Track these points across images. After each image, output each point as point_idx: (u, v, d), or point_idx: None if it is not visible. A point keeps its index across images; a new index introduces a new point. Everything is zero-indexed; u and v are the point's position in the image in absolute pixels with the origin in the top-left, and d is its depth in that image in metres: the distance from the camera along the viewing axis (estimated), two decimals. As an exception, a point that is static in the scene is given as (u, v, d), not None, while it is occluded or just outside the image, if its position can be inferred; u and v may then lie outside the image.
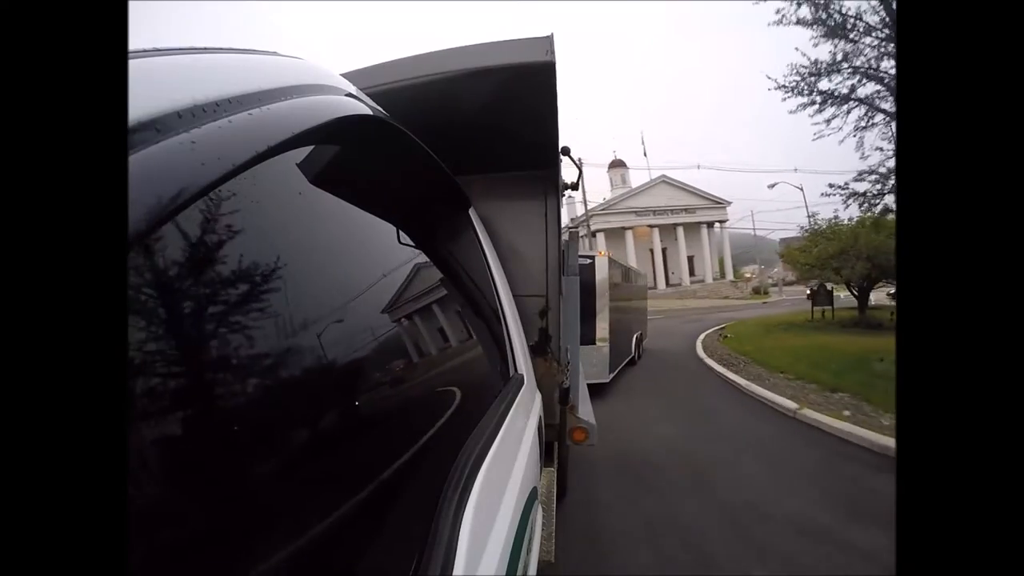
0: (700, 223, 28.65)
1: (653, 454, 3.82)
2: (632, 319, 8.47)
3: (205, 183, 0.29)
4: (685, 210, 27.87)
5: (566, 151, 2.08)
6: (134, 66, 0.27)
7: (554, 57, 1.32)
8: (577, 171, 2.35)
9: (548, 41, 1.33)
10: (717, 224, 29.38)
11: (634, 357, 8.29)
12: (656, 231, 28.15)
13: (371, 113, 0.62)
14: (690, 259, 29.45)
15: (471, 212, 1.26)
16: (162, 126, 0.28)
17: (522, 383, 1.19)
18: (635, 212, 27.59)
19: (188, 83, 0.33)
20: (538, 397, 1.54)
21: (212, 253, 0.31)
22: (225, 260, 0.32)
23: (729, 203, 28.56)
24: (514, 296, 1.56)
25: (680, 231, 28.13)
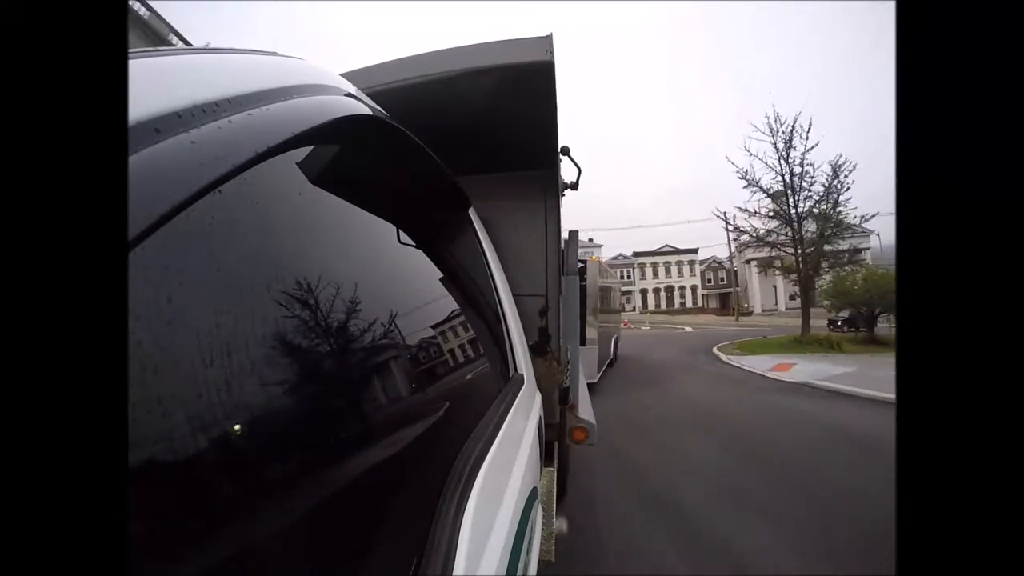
0: (843, 251, 31.77)
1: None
2: (612, 322, 9.13)
3: (205, 183, 0.29)
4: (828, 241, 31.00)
5: (566, 151, 2.08)
6: (134, 66, 0.27)
7: (553, 56, 1.32)
8: (577, 170, 2.35)
9: (547, 41, 1.33)
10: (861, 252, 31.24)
11: (612, 359, 8.73)
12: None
13: (371, 113, 0.62)
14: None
15: (471, 212, 1.26)
16: (162, 126, 0.28)
17: (522, 383, 1.19)
18: (782, 244, 29.66)
19: (188, 83, 0.33)
20: (538, 397, 1.54)
21: (212, 253, 0.31)
22: (225, 260, 0.32)
23: (872, 231, 29.87)
24: (514, 296, 1.56)
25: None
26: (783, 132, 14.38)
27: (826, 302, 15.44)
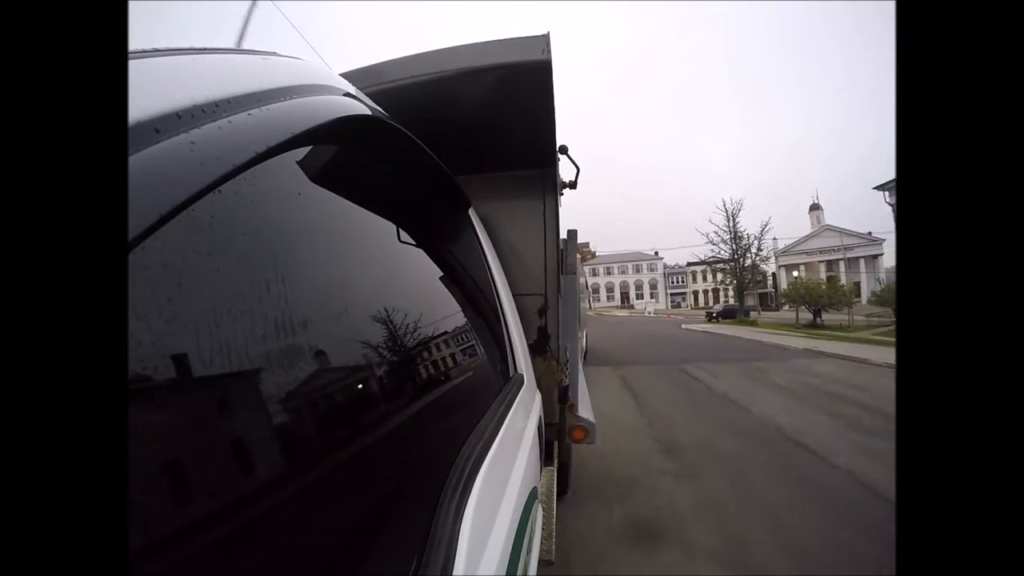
0: (858, 257, 38.71)
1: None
2: (583, 317, 9.89)
3: (204, 184, 0.29)
4: (845, 248, 37.58)
5: (564, 150, 2.08)
6: (134, 66, 0.27)
7: (550, 55, 1.32)
8: (575, 169, 2.36)
9: (544, 40, 1.33)
10: (877, 257, 37.32)
11: (585, 352, 9.30)
12: (822, 264, 37.76)
13: (370, 113, 0.62)
14: (855, 284, 36.68)
15: (471, 212, 1.26)
16: (161, 127, 0.27)
17: (522, 383, 1.19)
18: (806, 252, 39.14)
19: (187, 84, 0.33)
20: (538, 396, 1.54)
21: (212, 254, 0.31)
22: (225, 260, 0.32)
23: (883, 239, 35.07)
24: (513, 295, 1.56)
25: (842, 264, 37.60)
26: (732, 210, 31.35)
27: (782, 300, 27.39)
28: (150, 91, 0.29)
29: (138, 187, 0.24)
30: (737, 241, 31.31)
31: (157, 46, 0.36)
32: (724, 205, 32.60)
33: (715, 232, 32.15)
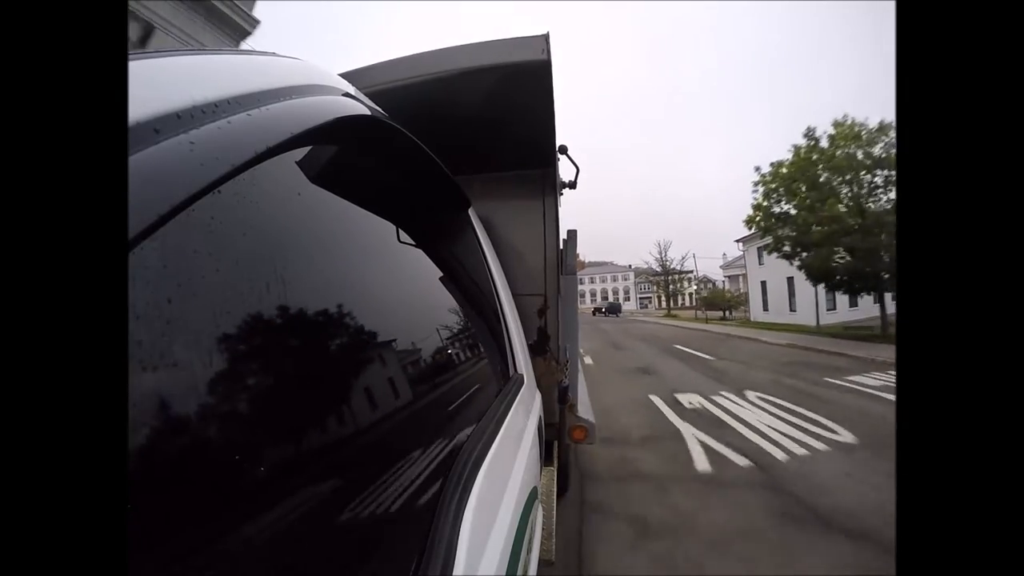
0: (691, 282, 55.73)
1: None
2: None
3: (204, 184, 0.29)
4: (782, 260, 48.36)
5: (563, 150, 2.08)
6: (134, 66, 0.27)
7: (550, 56, 1.32)
8: (575, 169, 2.36)
9: (544, 40, 1.33)
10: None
11: None
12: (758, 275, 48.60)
13: (369, 113, 0.62)
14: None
15: (470, 212, 1.26)
16: (161, 127, 0.27)
17: (522, 383, 1.19)
18: (743, 265, 52.20)
19: (187, 84, 0.33)
20: (538, 396, 1.54)
21: (211, 254, 0.31)
22: (224, 261, 0.32)
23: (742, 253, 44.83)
24: (513, 295, 1.56)
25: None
26: (663, 249, 51.94)
27: (697, 303, 37.78)
28: (150, 91, 0.29)
29: (138, 187, 0.23)
30: (664, 266, 50.09)
31: (156, 46, 0.36)
32: (659, 243, 53.67)
33: (655, 259, 51.32)
